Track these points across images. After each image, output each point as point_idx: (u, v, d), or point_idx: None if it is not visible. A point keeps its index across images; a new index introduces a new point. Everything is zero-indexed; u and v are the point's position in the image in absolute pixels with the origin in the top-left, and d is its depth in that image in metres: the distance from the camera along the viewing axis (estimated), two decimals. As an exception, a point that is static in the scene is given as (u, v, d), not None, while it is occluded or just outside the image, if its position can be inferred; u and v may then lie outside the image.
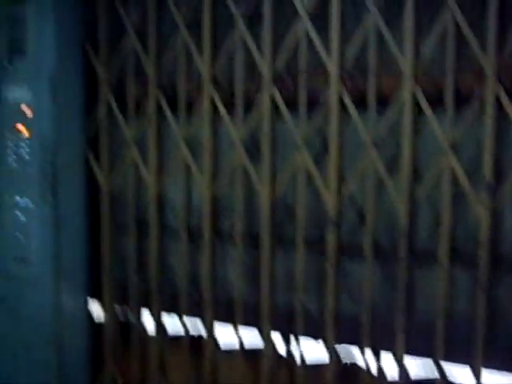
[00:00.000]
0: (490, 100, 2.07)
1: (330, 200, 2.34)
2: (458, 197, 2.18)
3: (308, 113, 2.39)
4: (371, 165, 2.28)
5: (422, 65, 2.20)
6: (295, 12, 2.38)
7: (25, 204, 2.82)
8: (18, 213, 2.83)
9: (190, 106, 2.64)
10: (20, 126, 2.77)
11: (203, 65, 2.56)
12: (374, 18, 2.24)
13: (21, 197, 2.82)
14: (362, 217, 2.34)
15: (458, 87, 2.15)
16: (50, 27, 2.70)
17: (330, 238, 2.34)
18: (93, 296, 2.94)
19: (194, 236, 2.69)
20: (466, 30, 2.10)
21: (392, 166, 2.28)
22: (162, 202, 2.75)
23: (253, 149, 2.52)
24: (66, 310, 2.83)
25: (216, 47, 2.56)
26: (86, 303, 2.92)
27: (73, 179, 2.84)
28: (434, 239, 2.22)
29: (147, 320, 2.83)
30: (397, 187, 2.24)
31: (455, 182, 2.17)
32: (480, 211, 2.11)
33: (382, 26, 2.23)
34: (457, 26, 2.12)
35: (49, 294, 2.81)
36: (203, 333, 2.66)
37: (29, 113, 2.77)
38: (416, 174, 2.24)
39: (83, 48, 2.82)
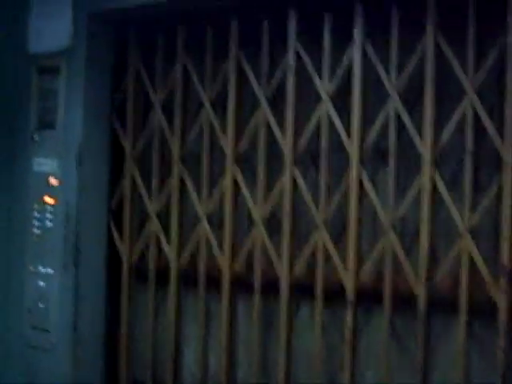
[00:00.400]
0: (507, 187, 2.10)
1: (348, 280, 2.36)
2: (475, 280, 2.18)
3: (328, 193, 2.43)
4: (389, 246, 2.30)
5: (441, 150, 2.24)
6: (317, 94, 2.46)
7: (46, 272, 2.86)
8: (39, 281, 2.88)
9: (213, 182, 2.70)
10: (46, 198, 2.84)
11: (226, 143, 2.63)
12: (394, 103, 2.30)
13: (43, 265, 2.87)
14: (379, 297, 2.35)
15: (476, 173, 2.19)
16: (79, 101, 2.80)
17: (348, 318, 2.35)
18: (109, 367, 2.94)
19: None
20: (485, 117, 2.15)
21: (410, 247, 2.30)
22: (182, 276, 2.78)
23: (273, 226, 2.55)
24: (82, 380, 2.84)
25: (239, 126, 2.63)
26: (102, 373, 2.93)
27: (95, 249, 2.89)
28: (453, 324, 2.22)
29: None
30: (414, 269, 2.26)
31: (472, 265, 2.18)
32: (498, 296, 2.12)
33: (402, 110, 2.29)
34: (475, 113, 2.18)
35: (66, 363, 2.82)
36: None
37: (55, 183, 2.84)
38: (434, 257, 2.26)
39: (110, 122, 2.91)
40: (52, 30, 2.86)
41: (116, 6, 2.72)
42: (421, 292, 2.23)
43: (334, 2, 2.41)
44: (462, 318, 2.16)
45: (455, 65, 2.21)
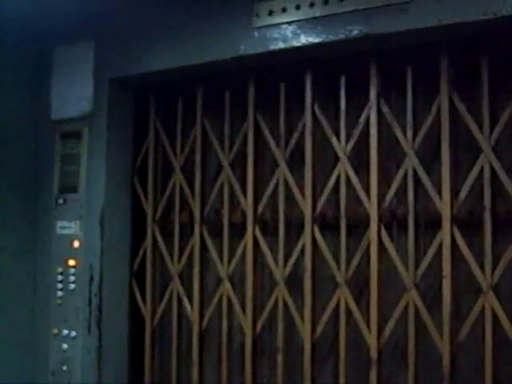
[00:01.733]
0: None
1: (371, 340, 2.35)
2: (500, 337, 2.17)
3: (349, 250, 2.44)
4: (412, 304, 2.29)
5: (459, 207, 2.25)
6: (335, 154, 2.49)
7: (70, 335, 2.87)
8: (62, 344, 2.88)
9: (234, 242, 2.72)
10: (70, 260, 2.87)
11: (246, 204, 2.66)
12: (411, 160, 2.33)
13: (66, 328, 2.88)
14: (403, 357, 2.34)
15: (495, 229, 2.19)
16: (101, 165, 2.85)
17: (372, 378, 2.33)
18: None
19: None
20: (502, 173, 2.17)
21: (433, 306, 2.29)
22: (204, 337, 2.78)
23: (294, 285, 2.56)
24: None
25: (259, 186, 2.66)
26: None
27: (117, 311, 2.90)
28: (478, 381, 2.19)
29: None
30: (438, 327, 2.25)
31: (496, 321, 2.16)
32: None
33: (419, 168, 2.31)
34: (492, 169, 2.19)
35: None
36: None
37: (78, 245, 2.88)
38: (457, 314, 2.25)
39: (132, 184, 2.96)
40: (74, 97, 2.93)
41: (136, 72, 2.79)
42: (445, 349, 2.22)
43: (350, 64, 2.47)
44: (488, 373, 2.14)
45: (470, 122, 2.24)
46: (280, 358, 2.56)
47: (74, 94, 2.93)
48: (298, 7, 2.36)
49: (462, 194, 2.24)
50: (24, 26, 2.89)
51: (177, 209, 2.87)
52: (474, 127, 2.24)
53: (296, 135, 2.58)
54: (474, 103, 2.26)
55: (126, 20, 2.80)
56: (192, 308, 2.79)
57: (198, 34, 2.59)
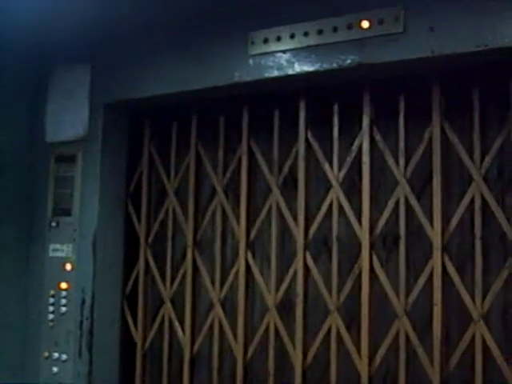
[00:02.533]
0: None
1: (362, 367, 2.35)
2: (490, 365, 2.18)
3: (341, 276, 2.45)
4: (403, 331, 2.30)
5: (450, 235, 2.27)
6: (327, 180, 2.51)
7: (60, 358, 2.86)
8: (53, 367, 2.87)
9: (226, 267, 2.73)
10: (62, 283, 2.87)
11: (239, 229, 2.67)
12: (403, 188, 2.35)
13: (57, 351, 2.87)
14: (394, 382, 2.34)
15: (485, 258, 2.21)
16: (95, 188, 2.86)
17: (363, 405, 2.33)
18: None
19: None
20: (493, 204, 2.19)
21: (423, 333, 2.30)
22: (195, 362, 2.78)
23: (285, 311, 2.57)
24: None
25: (252, 211, 2.67)
26: None
27: (109, 334, 2.89)
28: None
29: None
30: (429, 355, 2.25)
31: (486, 350, 2.17)
32: (512, 382, 2.11)
33: (411, 196, 2.33)
34: (483, 198, 2.22)
35: None
36: None
37: (70, 268, 2.88)
38: (448, 342, 2.26)
39: (125, 208, 2.97)
40: (69, 120, 2.95)
41: (131, 97, 2.81)
42: (435, 377, 2.22)
43: (343, 92, 2.50)
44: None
45: (461, 151, 2.27)
46: (271, 383, 2.56)
47: (69, 117, 2.95)
48: (292, 36, 2.39)
49: (453, 223, 2.26)
50: (21, 49, 2.91)
51: (170, 233, 2.88)
52: (465, 156, 2.26)
53: (289, 162, 2.60)
54: (465, 133, 2.29)
55: (123, 45, 2.82)
56: (183, 332, 2.79)
57: (194, 60, 2.62)
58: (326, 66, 2.33)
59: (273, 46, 2.43)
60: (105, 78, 2.86)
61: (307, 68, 2.37)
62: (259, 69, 2.47)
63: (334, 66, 2.31)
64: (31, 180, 3.04)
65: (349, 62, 2.28)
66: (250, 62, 2.48)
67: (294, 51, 2.40)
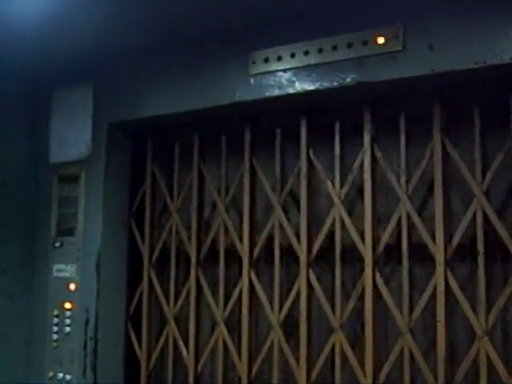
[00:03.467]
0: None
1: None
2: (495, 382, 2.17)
3: (344, 294, 2.46)
4: (407, 348, 2.30)
5: (453, 251, 2.27)
6: (330, 197, 2.52)
7: (65, 378, 2.86)
8: (58, 387, 2.88)
9: (230, 286, 2.73)
10: (66, 304, 2.88)
11: (242, 248, 2.67)
12: (405, 205, 2.35)
13: (61, 371, 2.87)
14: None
15: (489, 274, 2.21)
16: (98, 208, 2.87)
17: (367, 424, 2.33)
18: None
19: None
20: (495, 220, 2.19)
21: (427, 349, 2.30)
22: (200, 381, 2.77)
23: (290, 330, 2.57)
24: None
25: (254, 229, 2.68)
26: None
27: (113, 354, 2.89)
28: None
29: None
30: (433, 371, 2.25)
31: (491, 366, 2.17)
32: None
33: (413, 212, 2.34)
34: (485, 214, 2.22)
35: None
36: None
37: (74, 288, 2.88)
38: (452, 358, 2.25)
39: (128, 227, 2.98)
40: (72, 140, 2.97)
41: (134, 117, 2.83)
42: (440, 394, 2.22)
43: (344, 110, 2.51)
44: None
45: (463, 168, 2.27)
46: (275, 401, 2.56)
47: (73, 137, 2.97)
48: (293, 55, 2.41)
49: (456, 239, 2.26)
50: (24, 68, 2.93)
51: (173, 252, 2.89)
52: (466, 173, 2.27)
53: (291, 180, 2.61)
54: (466, 149, 2.30)
55: (125, 65, 2.85)
56: (188, 352, 2.78)
57: (196, 80, 2.64)
58: (326, 85, 2.35)
59: (274, 66, 2.45)
60: (107, 98, 2.89)
61: (308, 87, 2.38)
62: (260, 88, 2.48)
63: (335, 84, 2.33)
64: (35, 200, 3.06)
65: (349, 80, 2.30)
66: (251, 81, 2.50)
67: (295, 70, 2.41)
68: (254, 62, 2.50)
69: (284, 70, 2.43)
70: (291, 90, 2.42)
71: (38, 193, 3.07)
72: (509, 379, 2.12)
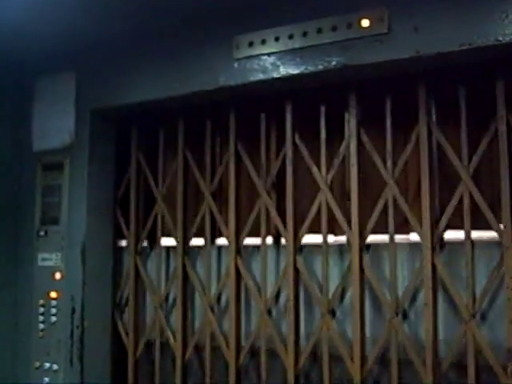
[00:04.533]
0: (509, 270, 2.11)
1: (355, 371, 2.34)
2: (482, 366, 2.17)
3: (331, 279, 2.45)
4: (394, 332, 2.30)
5: (439, 235, 2.27)
6: (316, 183, 2.50)
7: (52, 367, 2.84)
8: (44, 377, 2.85)
9: (217, 274, 2.72)
10: (51, 293, 2.85)
11: (228, 233, 2.65)
12: (391, 189, 2.34)
13: (48, 361, 2.86)
14: (387, 386, 2.34)
15: (475, 258, 2.21)
16: (82, 196, 2.84)
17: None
18: None
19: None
20: (482, 203, 2.19)
21: (415, 333, 2.30)
22: (187, 369, 2.76)
23: (277, 314, 2.56)
24: None
25: (240, 216, 2.66)
26: None
27: (99, 343, 2.87)
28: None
29: None
30: (420, 355, 2.25)
31: (479, 351, 2.17)
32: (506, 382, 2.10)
33: (399, 197, 2.33)
34: (471, 197, 2.21)
35: None
36: None
37: (60, 277, 2.86)
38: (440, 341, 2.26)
39: (113, 216, 2.95)
40: (55, 128, 2.93)
41: (118, 104, 2.79)
42: (428, 380, 2.21)
43: (329, 94, 2.49)
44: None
45: (449, 151, 2.26)
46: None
47: (56, 125, 2.93)
48: (277, 39, 2.38)
49: (442, 223, 2.26)
50: (5, 56, 2.89)
51: (159, 239, 2.87)
52: (452, 156, 2.26)
53: (277, 165, 2.59)
54: (452, 132, 2.29)
55: (108, 52, 2.81)
56: (175, 339, 2.77)
57: (179, 65, 2.60)
58: (311, 68, 2.32)
59: (258, 50, 2.42)
60: (90, 84, 2.85)
61: (292, 71, 2.36)
62: (244, 72, 2.45)
63: (320, 67, 2.30)
64: (18, 189, 3.02)
65: (334, 63, 2.27)
66: (235, 65, 2.47)
67: (279, 54, 2.38)
68: (237, 46, 2.46)
69: (268, 54, 2.40)
70: (276, 74, 2.39)
71: (21, 181, 3.03)
72: (496, 363, 2.12)
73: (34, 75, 3.02)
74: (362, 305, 2.35)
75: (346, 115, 2.45)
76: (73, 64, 2.90)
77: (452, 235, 2.26)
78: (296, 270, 2.48)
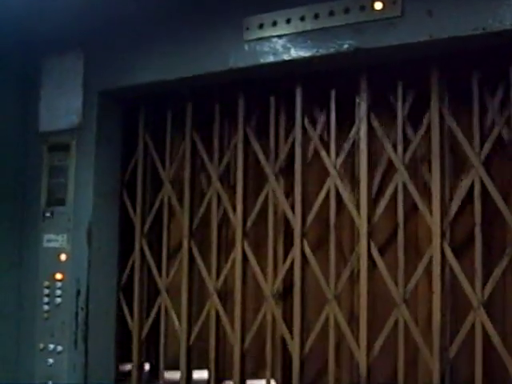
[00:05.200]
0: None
1: (360, 358, 2.33)
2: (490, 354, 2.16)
3: (338, 265, 2.43)
4: (401, 319, 2.28)
5: (449, 222, 2.25)
6: (325, 168, 2.48)
7: (56, 349, 2.84)
8: (48, 358, 2.85)
9: (223, 256, 2.70)
10: (57, 275, 2.84)
11: (235, 218, 2.64)
12: (401, 175, 2.32)
13: (52, 342, 2.85)
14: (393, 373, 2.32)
15: (485, 245, 2.19)
16: (89, 177, 2.82)
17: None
18: None
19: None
20: (493, 191, 2.17)
21: (422, 320, 2.28)
22: (192, 352, 2.75)
23: (284, 300, 2.55)
24: None
25: (248, 200, 2.65)
26: None
27: (104, 325, 2.86)
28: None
29: None
30: (428, 343, 2.24)
31: (486, 337, 2.15)
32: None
33: (409, 183, 2.31)
34: (483, 184, 2.19)
35: None
36: None
37: (65, 259, 2.85)
38: (447, 329, 2.24)
39: (120, 198, 2.93)
40: (62, 109, 2.91)
41: (125, 85, 2.76)
42: (435, 366, 2.20)
43: (340, 78, 2.46)
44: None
45: (461, 137, 2.24)
46: (268, 373, 2.54)
47: (63, 106, 2.91)
48: (288, 21, 2.35)
49: (452, 210, 2.24)
50: (12, 36, 2.87)
51: (165, 222, 2.85)
52: (464, 142, 2.23)
53: (286, 149, 2.57)
54: (464, 118, 2.26)
55: (116, 32, 2.77)
56: (180, 323, 2.76)
57: (189, 47, 2.57)
58: (322, 51, 2.29)
59: (268, 32, 2.39)
60: (98, 65, 2.82)
61: (303, 53, 2.33)
62: (254, 55, 2.42)
63: (331, 51, 2.27)
64: (24, 170, 3.00)
65: (346, 46, 2.24)
66: (246, 47, 2.44)
67: (290, 36, 2.35)
68: (248, 28, 2.43)
69: (279, 36, 2.37)
70: (286, 57, 2.36)
71: (27, 162, 3.01)
72: (504, 350, 2.10)
73: (42, 56, 2.98)
74: (369, 292, 2.34)
75: (357, 99, 2.42)
76: (81, 44, 2.87)
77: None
78: (303, 255, 2.46)
